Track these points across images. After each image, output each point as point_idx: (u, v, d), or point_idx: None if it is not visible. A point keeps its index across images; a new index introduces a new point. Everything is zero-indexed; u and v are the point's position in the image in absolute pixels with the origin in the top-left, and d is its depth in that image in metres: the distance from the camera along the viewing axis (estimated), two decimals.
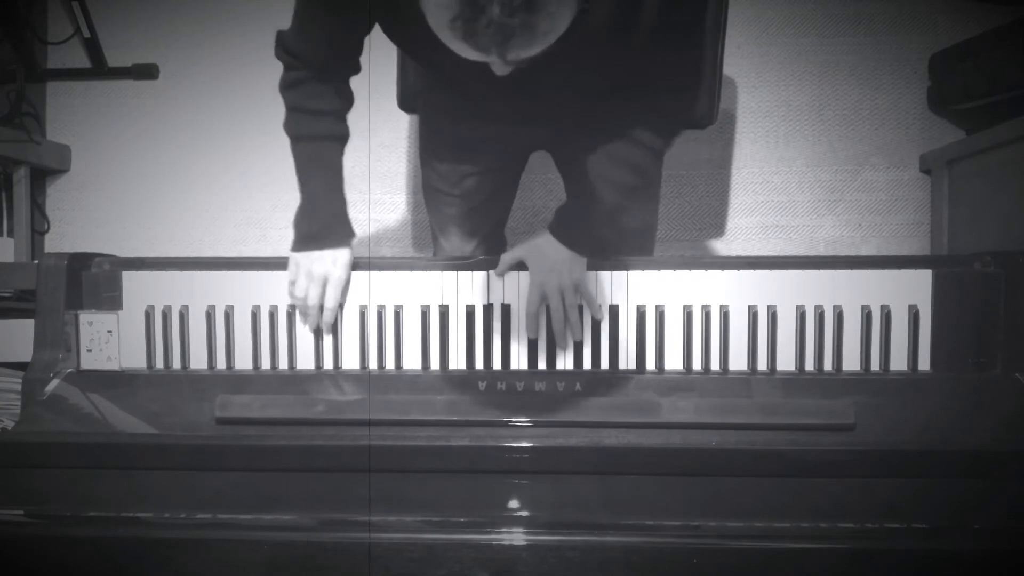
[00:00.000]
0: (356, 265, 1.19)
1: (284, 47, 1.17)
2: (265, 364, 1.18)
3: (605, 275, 1.17)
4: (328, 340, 1.18)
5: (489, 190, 1.42)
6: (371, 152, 2.15)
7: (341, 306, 1.17)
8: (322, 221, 1.18)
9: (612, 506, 0.91)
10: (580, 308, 1.16)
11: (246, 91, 2.18)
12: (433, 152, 1.41)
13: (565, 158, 1.43)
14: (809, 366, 1.14)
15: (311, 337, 1.18)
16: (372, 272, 1.19)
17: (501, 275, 1.17)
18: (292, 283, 1.17)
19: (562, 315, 1.14)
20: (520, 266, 1.18)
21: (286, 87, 1.21)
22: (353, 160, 2.15)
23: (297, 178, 1.21)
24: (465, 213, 1.42)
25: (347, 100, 1.22)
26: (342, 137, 1.22)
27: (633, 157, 1.17)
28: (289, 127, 1.22)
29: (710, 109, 1.55)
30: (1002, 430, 1.07)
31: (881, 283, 1.14)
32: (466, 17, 0.78)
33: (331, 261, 1.16)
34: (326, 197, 1.20)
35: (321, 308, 1.16)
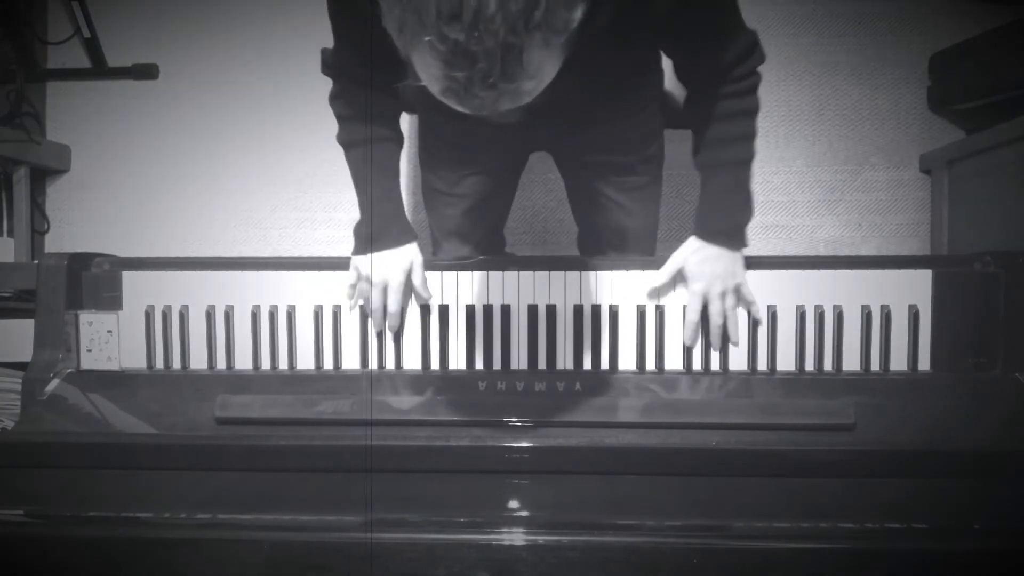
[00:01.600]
0: (428, 265, 1.19)
1: (326, 63, 1.18)
2: (265, 364, 1.18)
3: (605, 275, 1.17)
4: (378, 339, 1.19)
5: (489, 190, 1.42)
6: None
7: (404, 309, 1.17)
8: (380, 224, 1.17)
9: (612, 506, 0.91)
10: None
11: (246, 91, 2.18)
12: (432, 152, 1.41)
13: (565, 157, 1.43)
14: (809, 366, 1.14)
15: (311, 337, 1.18)
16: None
17: (660, 292, 1.16)
18: (352, 286, 1.18)
19: (722, 320, 1.14)
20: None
21: (334, 98, 1.21)
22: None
23: (354, 186, 1.21)
24: (465, 213, 1.42)
25: (394, 104, 1.22)
26: (393, 140, 1.22)
27: (739, 128, 1.14)
28: (341, 136, 1.23)
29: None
30: (1002, 430, 1.07)
31: (881, 283, 1.14)
32: (453, 89, 0.76)
33: (391, 264, 1.16)
34: (382, 200, 1.19)
35: (384, 311, 1.16)
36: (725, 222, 1.16)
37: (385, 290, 1.16)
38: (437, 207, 1.46)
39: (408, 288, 1.17)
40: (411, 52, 0.77)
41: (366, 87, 1.15)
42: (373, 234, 1.17)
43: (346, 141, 1.22)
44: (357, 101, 1.18)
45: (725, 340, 1.15)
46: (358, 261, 1.18)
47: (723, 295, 1.14)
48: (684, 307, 1.16)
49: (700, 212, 1.19)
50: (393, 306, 1.16)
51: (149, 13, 2.21)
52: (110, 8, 2.19)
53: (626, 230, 1.40)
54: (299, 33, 2.14)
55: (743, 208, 1.17)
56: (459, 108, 0.79)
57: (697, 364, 1.16)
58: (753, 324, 1.15)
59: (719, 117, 1.13)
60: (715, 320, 1.14)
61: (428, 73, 0.77)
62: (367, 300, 1.17)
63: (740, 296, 1.15)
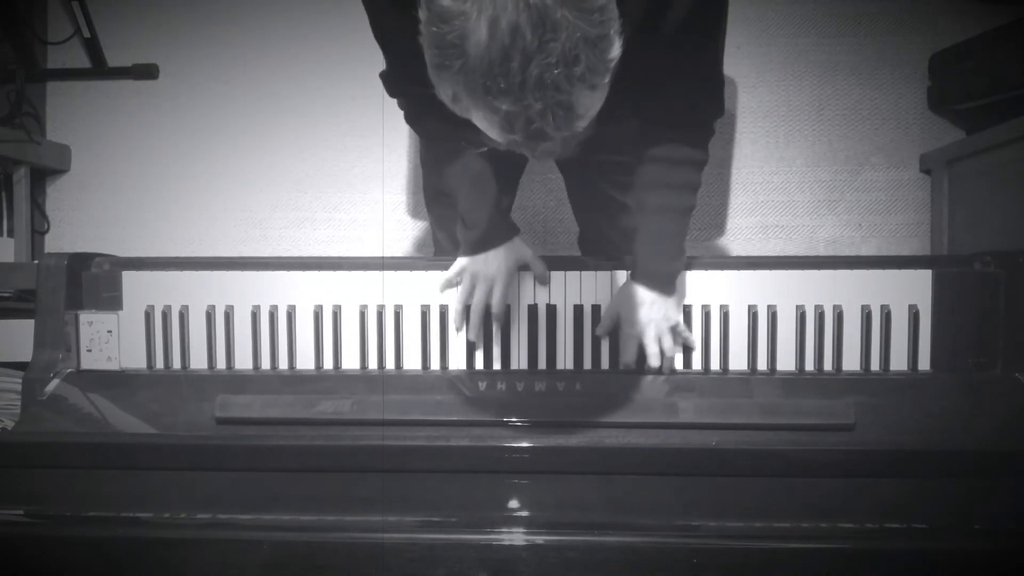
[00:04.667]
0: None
1: (388, 85, 1.15)
2: (265, 364, 1.18)
3: (605, 275, 1.17)
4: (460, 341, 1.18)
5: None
6: (368, 152, 2.15)
7: (509, 306, 1.18)
8: (487, 224, 1.17)
9: (612, 506, 0.91)
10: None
11: (246, 91, 2.17)
12: (432, 152, 1.41)
13: (566, 157, 1.43)
14: (809, 366, 1.14)
15: (311, 337, 1.18)
16: (372, 272, 1.19)
17: (602, 336, 1.17)
18: (453, 284, 1.18)
19: (658, 363, 1.14)
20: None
21: (410, 120, 1.19)
22: (353, 160, 2.16)
23: (454, 195, 1.20)
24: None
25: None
26: (475, 143, 1.20)
27: (685, 177, 1.13)
28: (428, 154, 1.23)
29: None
30: (1002, 430, 1.07)
31: (881, 283, 1.14)
32: (516, 143, 0.77)
33: (498, 263, 1.16)
34: (485, 202, 1.17)
35: (488, 312, 1.17)
36: (661, 268, 1.15)
37: (491, 290, 1.16)
38: (438, 207, 1.46)
39: (514, 287, 1.18)
40: (469, 116, 0.78)
41: (435, 104, 1.12)
42: (479, 237, 1.17)
43: (437, 157, 1.21)
44: (435, 113, 1.16)
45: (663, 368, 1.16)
46: (465, 262, 1.17)
47: (659, 338, 1.14)
48: (611, 344, 1.16)
49: (638, 256, 1.16)
50: (497, 306, 1.16)
51: (149, 13, 2.20)
52: (110, 8, 2.18)
53: (627, 230, 1.40)
54: (299, 33, 2.14)
55: (678, 256, 1.15)
56: (492, 135, 0.80)
57: (697, 364, 1.16)
58: (689, 351, 1.16)
59: (669, 161, 1.12)
60: (651, 362, 1.14)
61: (490, 132, 0.78)
62: (474, 300, 1.16)
63: (676, 334, 1.15)
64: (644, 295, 1.13)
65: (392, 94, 1.17)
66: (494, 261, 1.16)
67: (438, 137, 1.18)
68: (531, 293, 1.18)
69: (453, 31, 0.71)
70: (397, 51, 1.07)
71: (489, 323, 1.17)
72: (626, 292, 1.15)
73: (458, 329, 1.18)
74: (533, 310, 1.18)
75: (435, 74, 0.76)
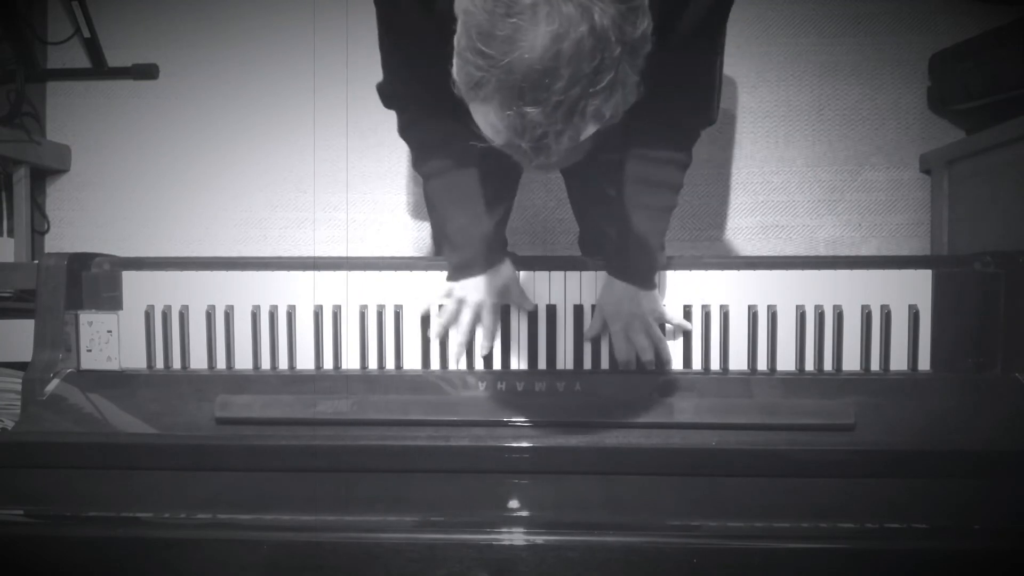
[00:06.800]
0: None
1: (384, 96, 1.14)
2: (265, 364, 1.18)
3: (605, 276, 1.17)
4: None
5: (490, 192, 1.41)
6: (368, 152, 2.15)
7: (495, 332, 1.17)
8: (471, 250, 1.15)
9: (612, 506, 0.91)
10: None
11: (246, 91, 2.17)
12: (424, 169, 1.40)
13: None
14: (809, 366, 1.14)
15: (311, 337, 1.18)
16: (372, 272, 1.19)
17: (589, 339, 1.17)
18: (439, 306, 1.17)
19: (650, 356, 1.14)
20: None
21: (403, 129, 1.18)
22: (353, 160, 2.16)
23: (439, 213, 1.20)
24: None
25: (464, 127, 1.21)
26: (470, 164, 1.16)
27: (668, 176, 1.14)
28: (417, 166, 1.20)
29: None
30: (1002, 430, 1.07)
31: (881, 283, 1.14)
32: (515, 147, 0.76)
33: (485, 288, 1.15)
34: (470, 227, 1.15)
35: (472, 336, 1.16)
36: (639, 264, 1.14)
37: (479, 314, 1.15)
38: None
39: (499, 310, 1.17)
40: (475, 106, 0.76)
41: (435, 115, 1.09)
42: (465, 260, 1.15)
43: (427, 171, 1.18)
44: (429, 127, 1.13)
45: (664, 359, 1.16)
46: (452, 287, 1.16)
47: (645, 331, 1.14)
48: (610, 347, 1.16)
49: (616, 251, 1.16)
50: (487, 330, 1.15)
51: (149, 13, 2.20)
52: (110, 8, 2.18)
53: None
54: (300, 33, 2.14)
55: (656, 253, 1.15)
56: (496, 139, 0.79)
57: (697, 364, 1.16)
58: (687, 334, 1.16)
59: (654, 160, 1.12)
60: (643, 356, 1.14)
61: (491, 129, 0.77)
62: (457, 325, 1.16)
63: (664, 323, 1.15)
64: (626, 290, 1.14)
65: (389, 105, 1.16)
66: (476, 290, 1.15)
67: (431, 147, 1.16)
68: (531, 293, 1.18)
69: (510, 26, 0.69)
70: (407, 51, 1.06)
71: (490, 346, 1.17)
72: (608, 291, 1.16)
73: (452, 356, 1.17)
74: (533, 310, 1.17)
75: (469, 57, 0.73)
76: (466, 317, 1.15)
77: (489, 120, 0.76)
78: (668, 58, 0.97)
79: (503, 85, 0.71)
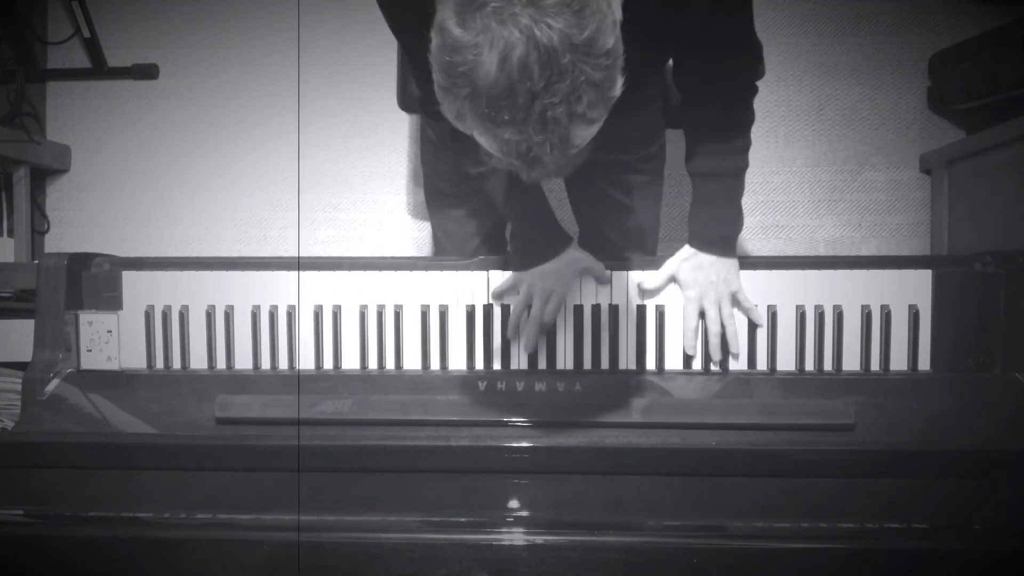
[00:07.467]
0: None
1: (403, 104, 1.17)
2: (265, 364, 1.18)
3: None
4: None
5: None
6: (368, 152, 2.15)
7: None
8: (537, 236, 1.18)
9: (612, 506, 0.91)
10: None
11: (246, 91, 2.18)
12: (435, 152, 1.41)
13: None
14: (809, 366, 1.14)
15: (311, 337, 1.18)
16: (373, 272, 1.19)
17: (650, 295, 1.17)
18: (507, 295, 1.17)
19: (719, 328, 1.14)
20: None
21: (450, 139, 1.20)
22: (353, 160, 2.16)
23: (502, 209, 1.21)
24: (467, 214, 1.42)
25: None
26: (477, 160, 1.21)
27: (730, 139, 1.15)
28: (428, 154, 1.25)
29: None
30: (1002, 430, 1.07)
31: (881, 283, 1.14)
32: (513, 164, 0.79)
33: (556, 275, 1.16)
34: (532, 214, 1.19)
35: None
36: (717, 231, 1.16)
37: (548, 301, 1.15)
38: (439, 207, 1.45)
39: (575, 296, 1.17)
40: (472, 133, 0.80)
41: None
42: (533, 249, 1.17)
43: (478, 172, 1.20)
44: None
45: (725, 351, 1.15)
46: (519, 277, 1.17)
47: (718, 302, 1.14)
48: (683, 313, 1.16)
49: (692, 220, 1.19)
50: (549, 316, 1.16)
51: (149, 13, 2.20)
52: (110, 8, 2.19)
53: (627, 229, 1.40)
54: (300, 34, 2.14)
55: (735, 219, 1.18)
56: (521, 176, 0.82)
57: (697, 364, 1.16)
58: (753, 328, 1.15)
59: (715, 126, 1.13)
60: (712, 328, 1.14)
61: (490, 150, 0.80)
62: (533, 315, 1.15)
63: (737, 302, 1.15)
64: (702, 258, 1.15)
65: (412, 107, 1.18)
66: (552, 274, 1.16)
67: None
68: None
69: (464, 62, 0.73)
70: (418, 64, 1.08)
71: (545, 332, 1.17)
72: (683, 254, 1.17)
73: (511, 339, 1.17)
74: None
75: (442, 95, 0.78)
76: (538, 303, 1.15)
77: (483, 143, 0.80)
78: (697, 28, 0.99)
79: (474, 113, 0.75)
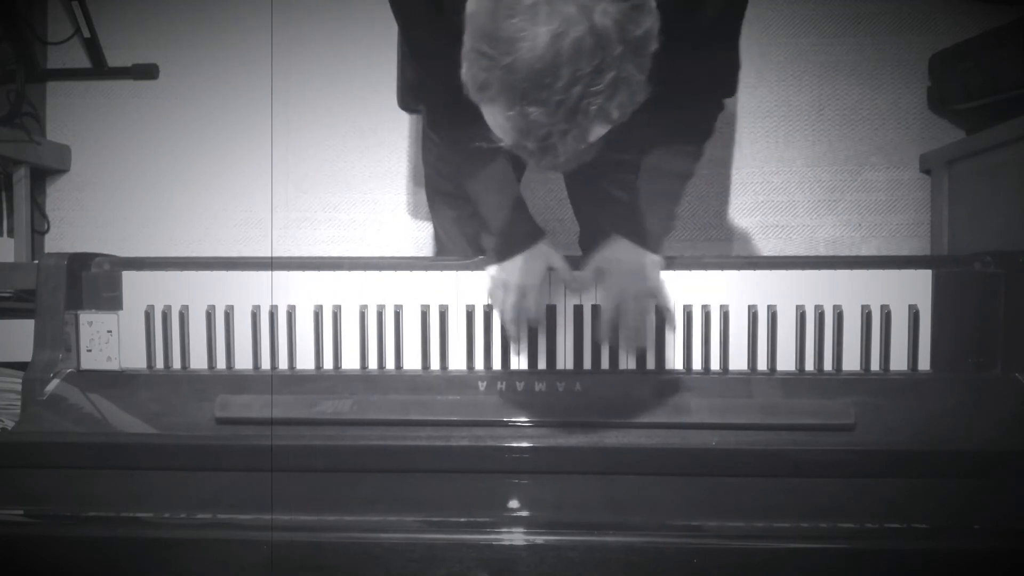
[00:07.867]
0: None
1: (413, 92, 1.16)
2: (265, 364, 1.18)
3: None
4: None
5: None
6: (368, 152, 2.15)
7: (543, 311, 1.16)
8: (508, 232, 1.16)
9: (612, 506, 0.91)
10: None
11: (246, 91, 2.17)
12: (437, 153, 1.41)
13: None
14: (809, 366, 1.14)
15: (311, 337, 1.18)
16: (373, 272, 1.19)
17: (581, 290, 1.16)
18: (491, 296, 1.17)
19: (633, 322, 1.12)
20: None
21: (432, 126, 1.20)
22: (353, 160, 2.16)
23: (476, 202, 1.20)
24: (468, 214, 1.42)
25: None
26: (500, 152, 1.20)
27: (687, 143, 1.15)
28: (430, 154, 1.23)
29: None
30: (1002, 430, 1.07)
31: (881, 283, 1.14)
32: (522, 147, 0.77)
33: (527, 268, 1.14)
34: (501, 206, 1.17)
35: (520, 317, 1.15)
36: (649, 225, 1.15)
37: (524, 295, 1.14)
38: (441, 207, 1.45)
39: (546, 289, 1.16)
40: (484, 107, 0.77)
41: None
42: (504, 243, 1.15)
43: (459, 163, 1.19)
44: (455, 119, 1.15)
45: (638, 343, 1.14)
46: (493, 271, 1.16)
47: (636, 296, 1.13)
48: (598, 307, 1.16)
49: (627, 210, 1.17)
50: (532, 310, 1.14)
51: (149, 13, 2.20)
52: (110, 8, 2.18)
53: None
54: (300, 33, 2.14)
55: (668, 219, 1.16)
56: (527, 161, 0.80)
57: (697, 364, 1.16)
58: (663, 325, 1.15)
59: (680, 126, 1.12)
60: (625, 322, 1.12)
61: (499, 130, 0.78)
62: (504, 308, 1.15)
63: (656, 299, 1.14)
64: (627, 249, 1.13)
65: (417, 101, 1.17)
66: (516, 269, 1.15)
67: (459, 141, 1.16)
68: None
69: (514, 29, 0.70)
70: (427, 50, 1.06)
71: (527, 327, 1.16)
72: (611, 249, 1.15)
73: (511, 339, 1.16)
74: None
75: (474, 59, 0.74)
76: (511, 299, 1.14)
77: (497, 121, 0.77)
78: (703, 25, 0.98)
79: (506, 85, 0.72)
